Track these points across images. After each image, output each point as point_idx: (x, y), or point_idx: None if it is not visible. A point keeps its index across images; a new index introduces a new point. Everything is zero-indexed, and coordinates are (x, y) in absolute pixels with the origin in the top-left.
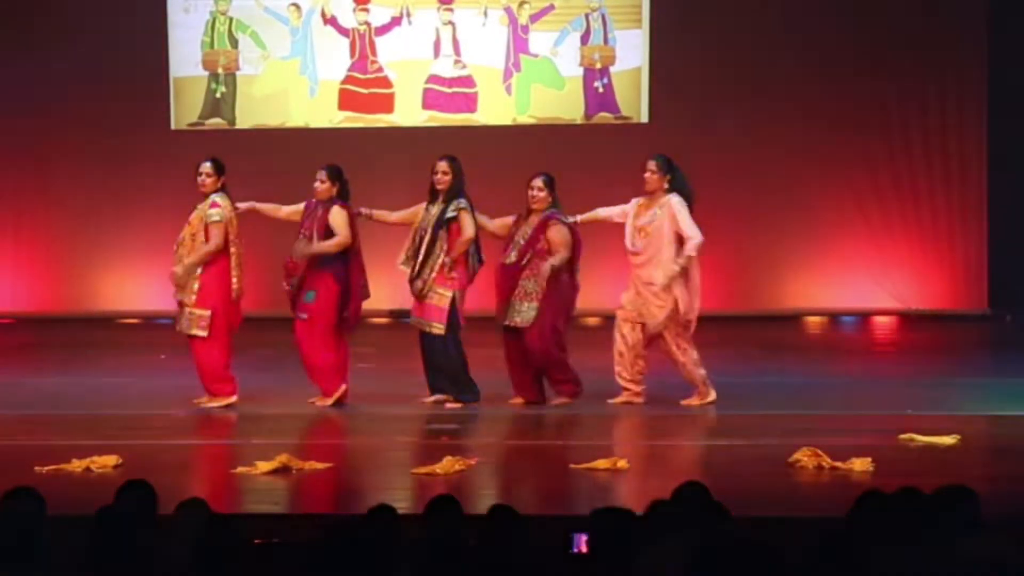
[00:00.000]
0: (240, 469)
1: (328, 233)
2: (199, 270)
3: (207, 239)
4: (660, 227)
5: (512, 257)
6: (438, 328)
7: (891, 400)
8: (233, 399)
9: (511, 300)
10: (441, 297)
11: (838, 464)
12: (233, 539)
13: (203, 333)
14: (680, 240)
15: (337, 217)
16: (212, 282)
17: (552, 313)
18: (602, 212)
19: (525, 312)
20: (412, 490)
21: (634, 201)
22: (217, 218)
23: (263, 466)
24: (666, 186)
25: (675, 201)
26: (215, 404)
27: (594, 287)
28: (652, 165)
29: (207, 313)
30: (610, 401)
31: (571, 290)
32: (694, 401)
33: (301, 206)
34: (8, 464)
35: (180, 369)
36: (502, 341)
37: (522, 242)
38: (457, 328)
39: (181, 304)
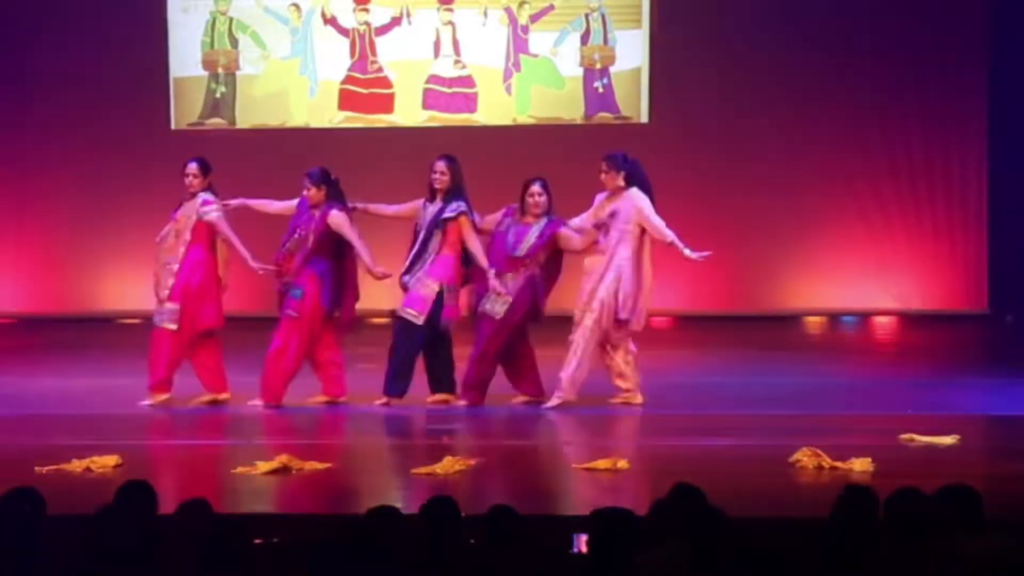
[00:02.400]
0: (240, 469)
1: (328, 236)
2: (176, 266)
3: (193, 237)
4: (619, 220)
5: (522, 251)
6: (414, 315)
7: (891, 400)
8: (164, 397)
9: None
10: (427, 287)
11: (838, 464)
12: (234, 539)
13: (173, 327)
14: (641, 232)
15: (338, 221)
16: (186, 278)
17: (518, 314)
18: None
19: (500, 305)
20: (412, 490)
21: (600, 197)
22: (216, 215)
23: (263, 466)
24: (621, 183)
25: (636, 195)
26: (149, 401)
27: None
28: (603, 166)
29: (177, 307)
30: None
31: (542, 294)
32: (555, 401)
33: (294, 203)
34: (8, 464)
35: (180, 369)
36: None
37: (534, 239)
38: (435, 325)
39: (158, 297)
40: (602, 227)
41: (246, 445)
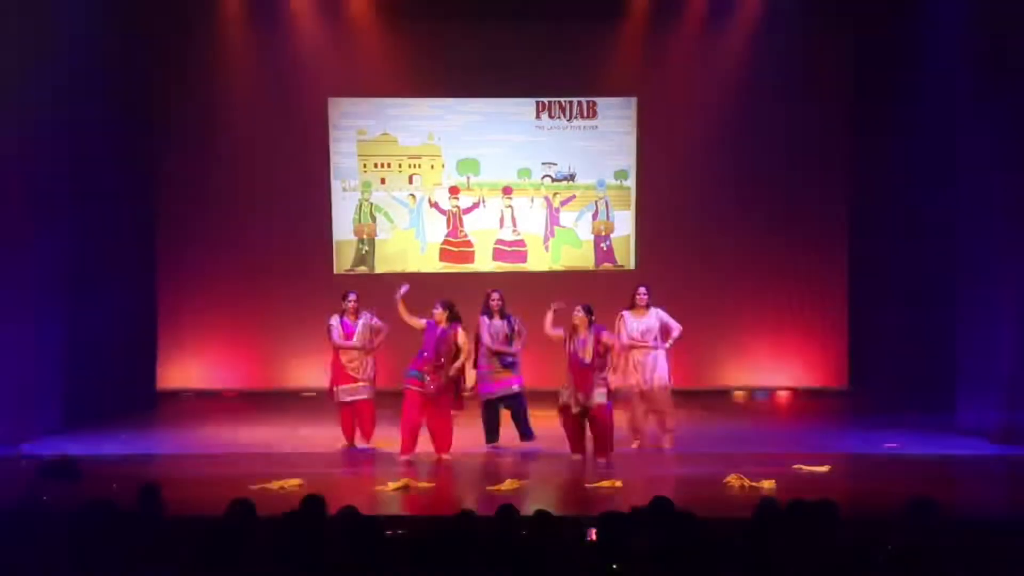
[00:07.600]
0: (378, 488)
1: (452, 345)
2: (366, 359)
3: (374, 339)
4: (653, 326)
5: (588, 358)
6: (519, 387)
7: (787, 444)
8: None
9: (589, 391)
10: (515, 371)
11: (754, 484)
12: (371, 533)
13: (367, 396)
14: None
15: (461, 336)
16: (376, 364)
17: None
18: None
19: (599, 397)
20: (487, 500)
21: (627, 314)
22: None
23: (392, 485)
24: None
25: (660, 310)
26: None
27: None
28: (644, 290)
29: (371, 384)
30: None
31: None
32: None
33: (423, 322)
34: (232, 483)
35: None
36: (565, 415)
37: (590, 347)
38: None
39: (355, 379)
40: (647, 330)
41: (383, 473)
